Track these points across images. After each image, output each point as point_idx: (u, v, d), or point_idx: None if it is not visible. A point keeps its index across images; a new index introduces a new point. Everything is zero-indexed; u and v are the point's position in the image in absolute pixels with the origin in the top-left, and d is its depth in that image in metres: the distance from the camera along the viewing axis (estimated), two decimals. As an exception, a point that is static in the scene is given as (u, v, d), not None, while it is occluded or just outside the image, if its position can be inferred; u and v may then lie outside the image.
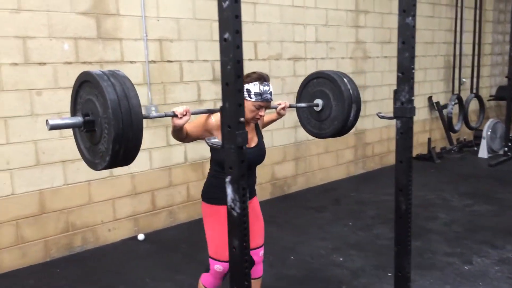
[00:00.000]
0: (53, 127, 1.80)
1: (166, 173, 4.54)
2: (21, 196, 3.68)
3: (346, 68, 6.07)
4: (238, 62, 1.54)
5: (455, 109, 7.74)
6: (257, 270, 2.73)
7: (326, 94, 2.81)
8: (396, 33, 7.45)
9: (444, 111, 7.72)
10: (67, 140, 3.85)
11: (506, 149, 7.36)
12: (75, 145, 3.77)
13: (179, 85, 4.49)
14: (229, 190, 1.64)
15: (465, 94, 8.42)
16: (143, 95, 4.23)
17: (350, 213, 4.90)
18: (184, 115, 2.12)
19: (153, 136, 4.37)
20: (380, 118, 2.44)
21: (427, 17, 7.31)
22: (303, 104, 2.83)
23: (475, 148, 7.99)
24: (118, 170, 4.18)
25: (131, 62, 4.15)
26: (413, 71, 2.24)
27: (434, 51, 7.60)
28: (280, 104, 2.67)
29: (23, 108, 3.61)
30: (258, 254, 2.71)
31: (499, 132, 7.68)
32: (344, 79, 2.75)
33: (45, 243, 3.86)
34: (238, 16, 1.52)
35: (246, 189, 1.63)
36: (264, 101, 2.39)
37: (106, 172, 4.12)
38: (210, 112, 2.33)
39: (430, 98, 7.71)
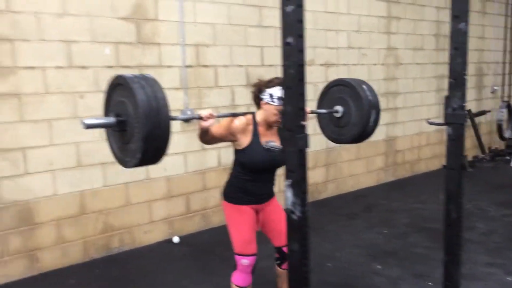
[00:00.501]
0: (88, 126, 1.90)
1: (200, 176, 4.58)
2: (62, 197, 3.77)
3: (378, 75, 6.04)
4: (301, 66, 1.55)
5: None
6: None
7: (345, 100, 2.84)
8: (428, 39, 7.46)
9: (475, 119, 7.60)
10: (107, 143, 3.91)
11: (541, 158, 7.20)
12: None
13: (214, 90, 4.53)
14: (289, 194, 1.64)
15: (496, 102, 8.29)
16: (180, 99, 4.29)
17: (382, 220, 4.86)
18: (208, 118, 2.27)
19: (188, 140, 4.41)
20: (430, 124, 2.43)
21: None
22: (323, 110, 2.88)
23: (508, 157, 7.84)
24: (154, 173, 4.25)
25: (168, 66, 4.21)
26: (466, 77, 2.22)
27: (466, 58, 7.49)
28: None
29: (66, 111, 3.70)
30: None
31: (533, 141, 7.52)
32: (363, 86, 2.80)
33: (84, 243, 3.93)
34: (301, 21, 1.53)
35: (307, 192, 1.63)
36: None
37: (143, 175, 4.18)
38: (234, 115, 2.51)
39: (461, 106, 7.59)
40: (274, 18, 4.85)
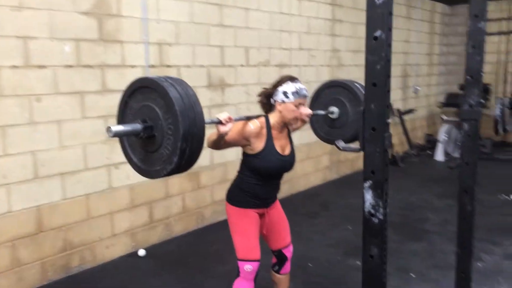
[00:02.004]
0: (115, 135, 1.76)
1: (163, 183, 4.30)
2: (18, 214, 3.30)
3: (324, 76, 6.16)
4: (389, 61, 1.48)
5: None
6: (287, 266, 2.80)
7: (341, 101, 2.88)
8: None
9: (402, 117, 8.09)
10: (67, 151, 3.52)
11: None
12: (75, 156, 3.52)
13: (176, 91, 4.28)
14: (368, 196, 1.56)
15: (418, 102, 8.91)
16: (143, 102, 3.99)
17: (343, 217, 4.95)
18: (228, 122, 2.12)
19: (151, 145, 4.12)
20: (444, 120, 2.49)
21: (388, 28, 7.64)
22: (321, 112, 2.88)
23: (429, 152, 8.46)
24: (117, 182, 3.91)
25: (132, 66, 3.89)
26: (482, 74, 2.30)
27: (394, 60, 7.94)
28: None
29: (21, 116, 3.25)
30: (290, 251, 2.79)
31: (453, 136, 8.19)
32: (357, 84, 2.86)
33: (42, 264, 3.48)
34: (391, 13, 1.46)
35: (388, 194, 1.56)
36: (302, 97, 2.46)
37: (105, 184, 3.82)
38: (248, 119, 2.40)
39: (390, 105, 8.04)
40: (234, 17, 4.72)
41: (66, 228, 3.60)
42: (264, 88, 2.57)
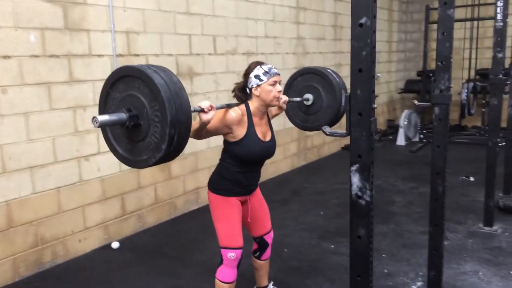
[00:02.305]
0: (101, 124, 1.74)
1: (135, 175, 4.25)
2: (-14, 210, 3.19)
3: (290, 64, 6.22)
4: (374, 47, 1.53)
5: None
6: (268, 252, 2.87)
7: (314, 87, 2.94)
8: (328, 30, 7.91)
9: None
10: (35, 144, 3.42)
11: (421, 136, 8.15)
12: (44, 149, 3.44)
13: (145, 81, 4.22)
14: (355, 179, 1.62)
15: (379, 88, 9.14)
16: (111, 92, 3.92)
17: (314, 203, 5.05)
18: (209, 110, 2.13)
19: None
20: (417, 105, 2.59)
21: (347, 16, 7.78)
22: (297, 99, 2.93)
23: (391, 137, 8.73)
24: (87, 174, 3.84)
25: (99, 55, 3.81)
26: (451, 60, 2.41)
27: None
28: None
29: (-14, 108, 3.13)
30: (270, 237, 2.85)
31: (413, 121, 8.47)
32: (329, 70, 2.93)
33: (13, 261, 3.38)
34: (375, 1, 1.51)
35: (374, 176, 1.63)
36: (275, 75, 2.49)
37: (76, 177, 3.74)
38: (229, 106, 2.41)
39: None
40: (200, 4, 4.67)
41: (37, 223, 3.51)
42: (236, 83, 2.59)
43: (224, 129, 2.42)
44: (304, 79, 2.97)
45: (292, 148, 6.56)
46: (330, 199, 5.18)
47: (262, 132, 2.54)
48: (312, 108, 2.96)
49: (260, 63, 2.51)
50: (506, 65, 4.48)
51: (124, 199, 4.18)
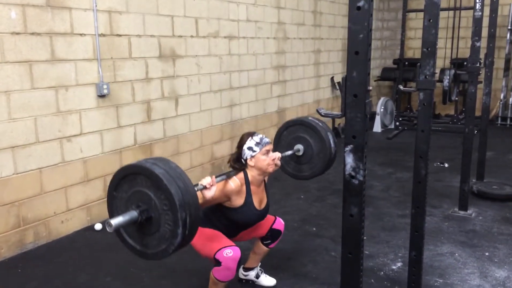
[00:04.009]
0: (116, 227, 1.71)
1: (117, 156, 4.22)
2: (-34, 190, 3.13)
3: (271, 48, 6.24)
4: (371, 30, 1.58)
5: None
6: (277, 240, 2.97)
7: (302, 137, 2.96)
8: (307, 16, 8.04)
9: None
10: (16, 123, 3.36)
11: (397, 123, 8.33)
12: (26, 129, 3.42)
13: (128, 62, 4.18)
14: (349, 159, 1.68)
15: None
16: (94, 72, 3.88)
17: (295, 188, 5.12)
18: (211, 186, 2.22)
19: (104, 117, 4.02)
20: (402, 91, 2.66)
21: (330, 2, 7.84)
22: (289, 152, 2.94)
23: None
24: (70, 155, 3.80)
25: (81, 35, 3.74)
26: (437, 46, 2.48)
27: (335, 35, 8.19)
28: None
29: (-33, 86, 3.05)
30: (280, 224, 2.95)
31: (389, 109, 8.64)
32: (310, 118, 2.98)
33: (-5, 242, 3.35)
34: (374, -13, 1.54)
35: (366, 157, 1.68)
36: (266, 144, 2.62)
37: (58, 158, 3.70)
38: (228, 176, 2.50)
39: (332, 79, 8.31)
40: (184, -14, 4.64)
41: (19, 204, 3.47)
42: (230, 155, 2.70)
43: (223, 199, 2.51)
44: (290, 132, 2.99)
45: (272, 133, 6.60)
46: (310, 183, 5.26)
47: (258, 200, 2.66)
48: (304, 158, 2.96)
49: (251, 134, 2.62)
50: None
51: (107, 181, 4.15)
